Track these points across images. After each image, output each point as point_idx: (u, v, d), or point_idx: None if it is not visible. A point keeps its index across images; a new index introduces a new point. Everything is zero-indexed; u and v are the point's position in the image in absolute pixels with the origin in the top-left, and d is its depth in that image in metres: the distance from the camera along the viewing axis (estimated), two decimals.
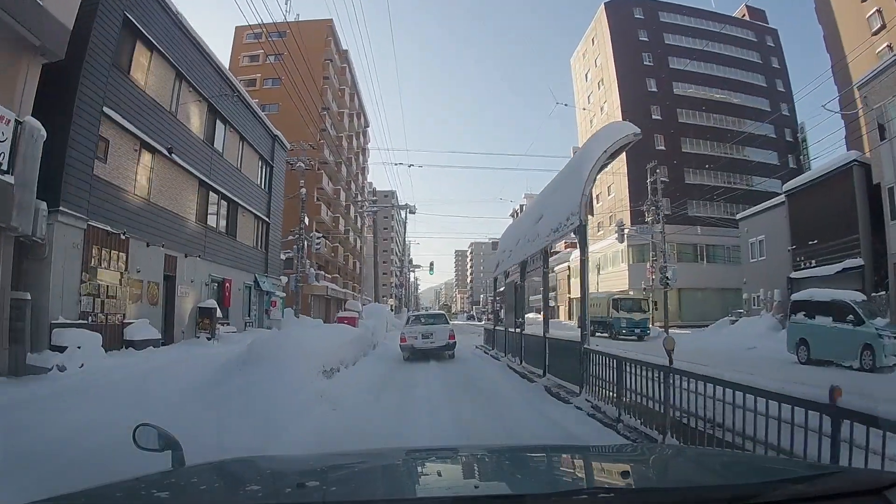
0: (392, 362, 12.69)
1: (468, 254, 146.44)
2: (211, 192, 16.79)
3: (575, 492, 1.22)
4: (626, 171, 40.48)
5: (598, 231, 45.11)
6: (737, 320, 26.97)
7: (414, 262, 51.46)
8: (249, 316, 19.60)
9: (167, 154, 14.33)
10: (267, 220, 21.29)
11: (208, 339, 14.40)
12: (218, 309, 15.34)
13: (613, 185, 43.30)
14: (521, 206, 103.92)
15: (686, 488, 1.31)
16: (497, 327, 16.99)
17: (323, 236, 36.30)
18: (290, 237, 26.20)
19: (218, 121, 17.46)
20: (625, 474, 1.50)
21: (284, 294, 23.00)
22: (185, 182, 15.33)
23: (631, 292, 39.27)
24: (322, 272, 37.34)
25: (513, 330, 12.36)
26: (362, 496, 1.32)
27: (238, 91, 18.70)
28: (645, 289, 35.25)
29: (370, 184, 77.81)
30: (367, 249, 63.63)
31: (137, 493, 1.28)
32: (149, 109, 13.58)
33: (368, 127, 60.95)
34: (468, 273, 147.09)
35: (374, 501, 1.30)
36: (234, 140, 18.58)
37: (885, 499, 1.06)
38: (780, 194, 26.96)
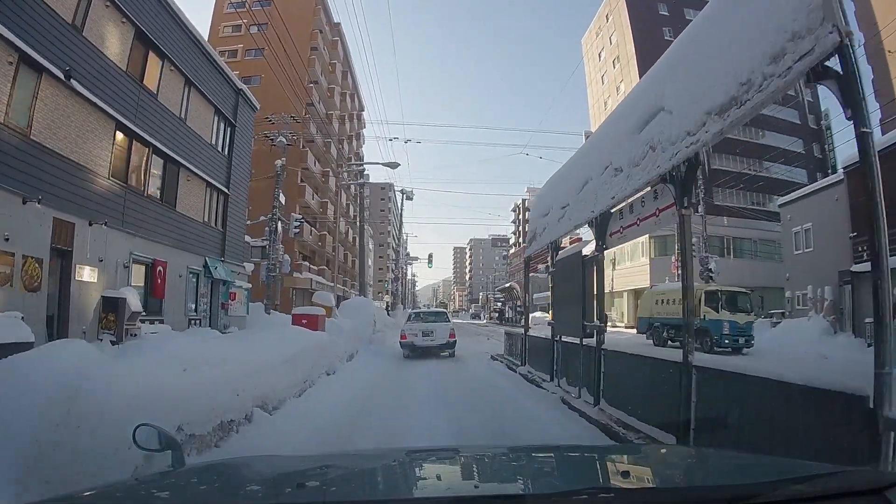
0: (371, 384, 8.43)
1: (467, 250, 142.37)
2: (136, 142, 12.52)
3: (575, 492, 1.19)
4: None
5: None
6: (779, 322, 22.99)
7: (411, 256, 47.16)
8: (196, 311, 15.32)
9: (63, 79, 10.13)
10: (225, 191, 17.01)
11: (113, 342, 10.13)
12: (135, 300, 11.07)
13: None
14: (523, 201, 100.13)
15: (686, 488, 1.35)
16: (513, 330, 13.75)
17: (306, 221, 32.08)
18: (264, 218, 21.98)
19: (152, 54, 13.21)
20: (625, 474, 1.46)
21: (250, 285, 18.75)
22: (94, 122, 11.07)
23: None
24: (307, 263, 33.10)
25: (574, 341, 7.54)
26: (362, 496, 1.33)
27: (184, 25, 14.44)
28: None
29: (366, 174, 73.97)
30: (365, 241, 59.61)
31: (137, 493, 1.27)
32: (36, 14, 9.43)
33: (364, 111, 56.78)
34: (467, 270, 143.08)
35: (374, 501, 1.33)
36: (176, 82, 14.30)
37: (885, 499, 1.06)
38: (805, 185, 22.83)
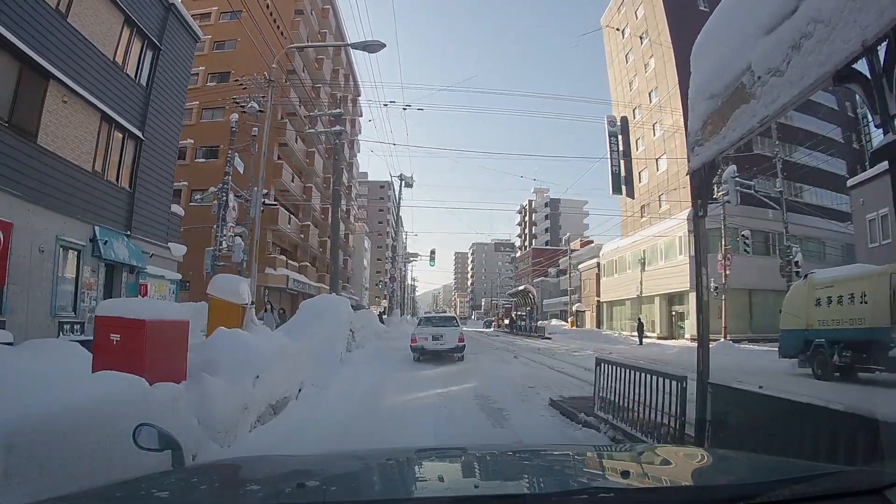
0: None
1: (469, 255, 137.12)
2: None
3: (575, 492, 1.22)
4: (684, 135, 31.20)
5: (643, 216, 35.69)
6: None
7: (411, 253, 41.76)
8: (76, 311, 9.96)
9: None
10: (137, 133, 11.73)
11: None
12: None
13: (665, 158, 33.92)
14: (530, 202, 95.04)
15: (686, 488, 1.34)
16: (611, 358, 7.67)
17: (284, 207, 26.84)
18: (214, 189, 16.78)
19: None
20: (625, 474, 1.44)
21: (179, 276, 13.40)
22: None
23: (691, 294, 29.98)
24: (284, 257, 27.78)
25: None
26: (362, 496, 1.33)
27: None
28: (716, 288, 25.83)
29: (365, 175, 68.44)
30: (358, 241, 54.23)
31: (137, 493, 1.26)
32: None
33: (360, 96, 51.74)
34: (469, 276, 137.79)
35: (374, 501, 1.32)
36: None
37: (885, 499, 1.06)
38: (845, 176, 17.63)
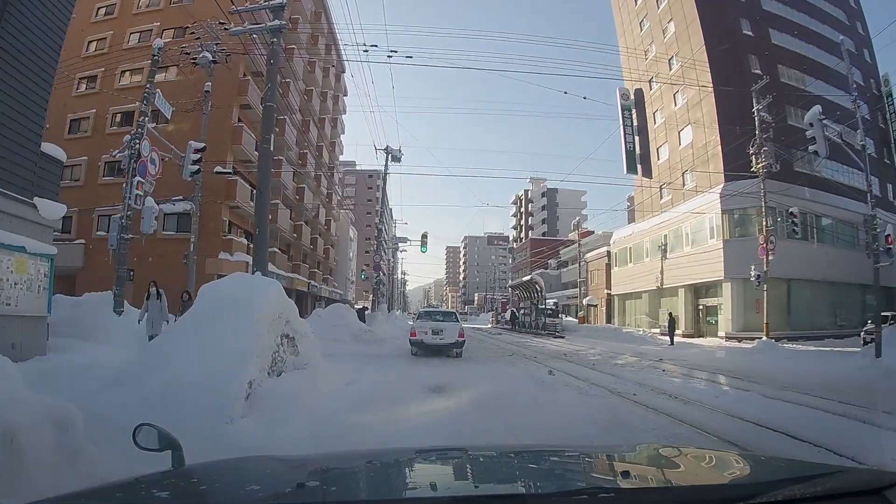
0: None
1: (461, 249, 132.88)
2: None
3: (575, 492, 1.20)
4: (714, 103, 27.02)
5: (663, 197, 31.58)
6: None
7: (400, 238, 37.07)
8: None
9: None
10: None
11: None
12: None
13: (689, 130, 29.78)
14: (526, 192, 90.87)
15: (686, 488, 1.33)
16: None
17: (241, 177, 22.35)
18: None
19: None
20: (625, 474, 1.44)
21: (55, 250, 8.91)
22: None
23: (726, 285, 25.95)
24: (244, 240, 23.30)
25: None
26: (362, 496, 1.34)
27: None
28: (758, 277, 22.01)
29: (353, 164, 63.57)
30: (342, 230, 49.51)
31: (137, 493, 1.26)
32: None
33: (344, 73, 47.10)
34: (461, 270, 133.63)
35: (374, 501, 1.32)
36: None
37: (885, 499, 1.06)
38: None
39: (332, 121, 42.49)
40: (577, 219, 34.95)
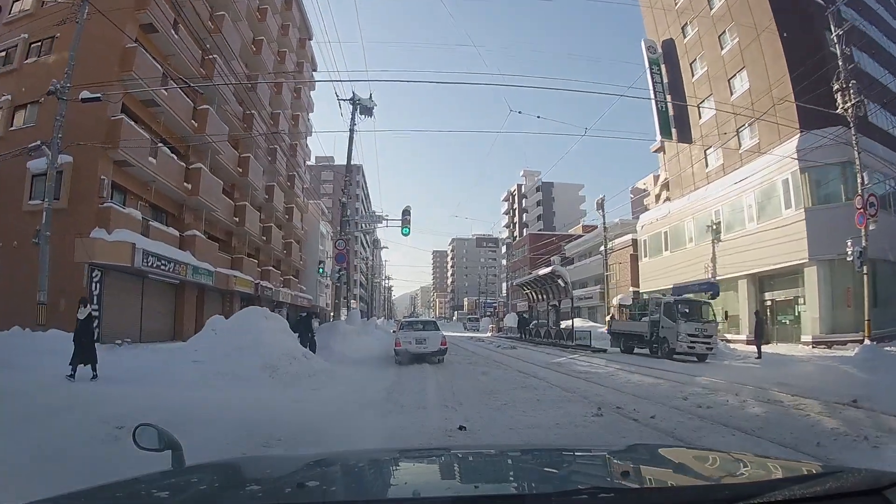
0: None
1: (448, 252, 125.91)
2: None
3: (575, 492, 1.18)
4: (777, 32, 20.55)
5: (710, 165, 24.97)
6: None
7: (378, 216, 29.64)
8: None
9: None
10: None
11: None
12: None
13: (744, 76, 23.24)
14: (519, 186, 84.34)
15: (686, 488, 1.32)
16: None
17: (139, 121, 15.21)
18: None
19: None
20: (625, 474, 1.44)
21: None
22: None
23: (809, 270, 19.35)
24: (136, 213, 16.12)
25: None
26: (362, 496, 1.31)
27: None
28: (860, 255, 15.84)
29: (331, 159, 56.35)
30: (310, 224, 42.06)
31: (137, 493, 1.26)
32: None
33: (311, 39, 40.10)
34: (448, 274, 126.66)
35: (373, 501, 1.29)
36: None
37: (885, 499, 1.06)
38: None
39: (294, 90, 35.38)
40: (602, 196, 28.14)
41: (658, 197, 37.41)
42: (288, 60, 32.87)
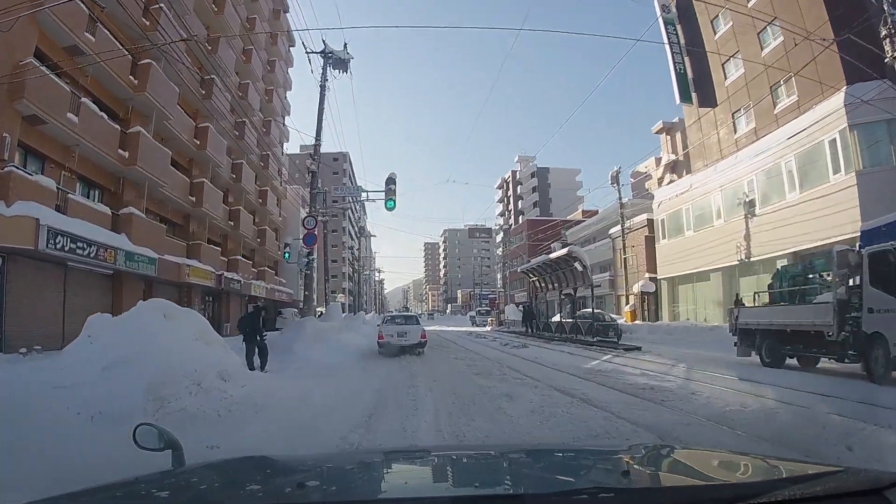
0: None
1: (440, 244, 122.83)
2: None
3: (575, 492, 1.17)
4: None
5: (739, 129, 21.98)
6: None
7: (353, 191, 26.32)
8: None
9: None
10: None
11: None
12: None
13: (774, 26, 20.19)
14: (513, 173, 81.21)
15: (686, 488, 1.31)
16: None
17: (63, 73, 11.79)
18: None
19: None
20: (625, 474, 1.43)
21: None
22: None
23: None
24: (48, 181, 12.74)
25: None
26: (362, 496, 1.31)
27: None
28: None
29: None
30: (290, 211, 38.71)
31: (137, 493, 1.24)
32: None
33: (287, 12, 36.54)
34: (441, 267, 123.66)
35: (373, 501, 1.29)
36: None
37: (885, 499, 1.05)
38: None
39: (267, 63, 31.92)
40: (618, 168, 25.04)
41: (661, 180, 34.49)
42: (259, 27, 29.38)
